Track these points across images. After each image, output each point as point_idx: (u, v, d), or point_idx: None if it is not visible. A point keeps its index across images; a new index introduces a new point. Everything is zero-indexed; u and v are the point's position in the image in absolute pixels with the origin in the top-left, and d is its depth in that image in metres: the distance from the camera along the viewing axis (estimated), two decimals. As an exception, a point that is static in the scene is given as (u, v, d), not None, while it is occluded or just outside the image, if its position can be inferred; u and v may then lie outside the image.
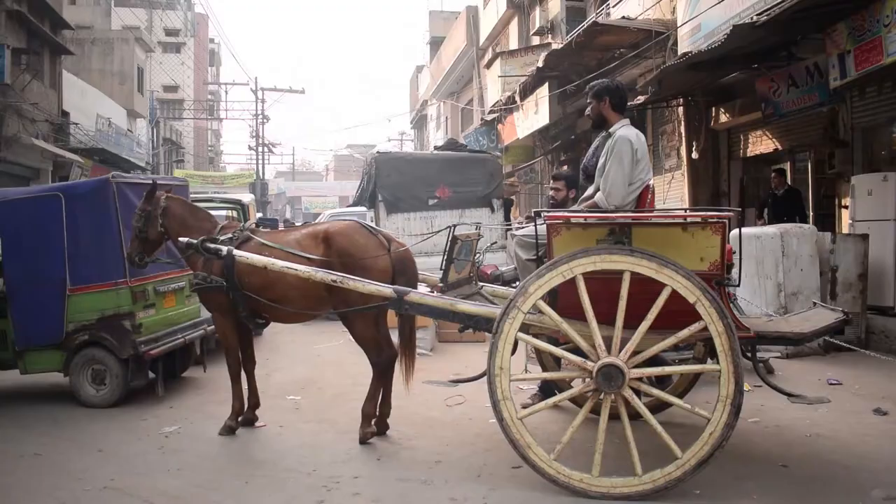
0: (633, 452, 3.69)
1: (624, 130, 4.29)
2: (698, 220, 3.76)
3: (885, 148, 9.23)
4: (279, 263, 4.75)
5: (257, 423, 5.31)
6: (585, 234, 3.85)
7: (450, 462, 4.39)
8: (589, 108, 4.55)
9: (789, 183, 10.12)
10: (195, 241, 5.08)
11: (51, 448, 4.93)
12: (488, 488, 3.93)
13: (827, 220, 9.66)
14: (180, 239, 5.18)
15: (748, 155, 11.84)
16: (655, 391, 4.11)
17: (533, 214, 4.29)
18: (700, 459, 3.63)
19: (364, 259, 4.78)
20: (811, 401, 4.20)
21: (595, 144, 4.50)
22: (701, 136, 11.95)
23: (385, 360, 4.95)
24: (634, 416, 3.89)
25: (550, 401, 4.19)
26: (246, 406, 5.30)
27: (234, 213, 8.99)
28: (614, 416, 3.85)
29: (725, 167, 12.33)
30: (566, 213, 4.02)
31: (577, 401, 4.52)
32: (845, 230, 8.73)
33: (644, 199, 4.26)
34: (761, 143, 11.41)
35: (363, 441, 4.77)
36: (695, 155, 12.01)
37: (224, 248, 4.99)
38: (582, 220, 3.87)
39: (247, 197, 11.73)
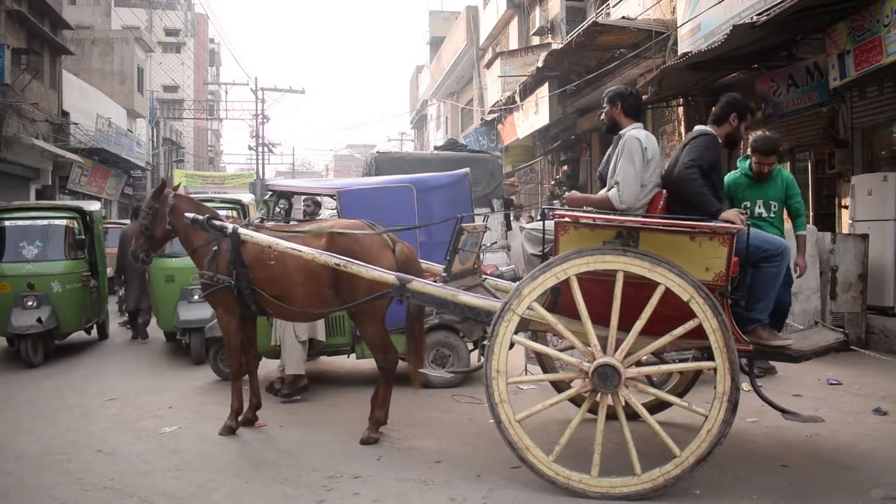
0: (631, 452, 3.69)
1: (634, 131, 4.26)
2: (707, 229, 3.74)
3: (885, 148, 9.23)
4: (283, 244, 4.78)
5: (257, 423, 5.31)
6: (593, 235, 3.84)
7: (450, 462, 4.39)
8: (603, 113, 4.52)
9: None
10: (201, 218, 5.12)
11: (51, 448, 4.92)
12: (488, 488, 3.93)
13: (827, 220, 9.66)
14: (186, 214, 5.20)
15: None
16: (653, 390, 4.11)
17: (542, 211, 4.32)
18: (698, 457, 3.63)
19: (369, 257, 4.79)
20: (805, 419, 4.20)
21: (608, 152, 4.47)
22: (701, 136, 11.93)
23: (391, 363, 4.96)
24: (633, 416, 3.90)
25: (548, 402, 4.19)
26: (246, 406, 5.31)
27: (235, 213, 8.99)
28: (614, 417, 3.85)
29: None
30: (575, 213, 4.00)
31: (577, 401, 4.52)
32: (845, 230, 8.73)
33: (656, 204, 4.19)
34: (761, 143, 11.39)
35: (365, 442, 4.77)
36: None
37: (229, 225, 5.04)
38: (590, 221, 3.86)
39: (247, 197, 11.74)
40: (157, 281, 8.34)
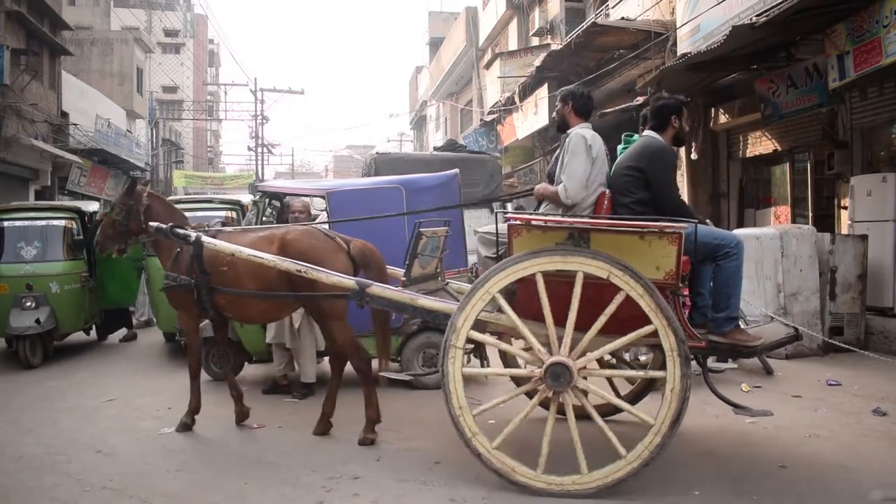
0: (611, 439, 3.70)
1: (581, 130, 4.37)
2: (655, 229, 3.75)
3: (885, 148, 9.24)
4: (246, 251, 4.81)
5: (257, 424, 5.32)
6: (545, 237, 3.87)
7: (449, 463, 4.39)
8: (555, 111, 4.63)
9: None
10: (164, 227, 5.16)
11: (50, 449, 4.92)
12: (487, 489, 3.93)
13: (826, 221, 9.68)
14: (151, 223, 5.26)
15: (747, 156, 11.86)
16: (601, 392, 4.03)
17: (495, 214, 4.41)
18: (673, 418, 3.63)
19: (322, 263, 4.76)
20: (755, 413, 4.17)
21: (556, 153, 4.56)
22: (700, 137, 11.96)
23: (365, 363, 4.99)
24: (614, 411, 3.91)
25: (502, 398, 4.17)
26: (236, 404, 5.40)
27: (234, 214, 8.98)
28: (587, 417, 3.85)
29: (725, 168, 12.35)
30: (527, 216, 4.07)
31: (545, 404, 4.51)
32: (844, 231, 8.74)
33: (601, 204, 4.29)
34: (760, 144, 11.43)
35: (363, 443, 4.78)
36: (694, 156, 12.03)
37: (193, 234, 5.08)
38: (542, 223, 3.91)
39: (246, 198, 11.70)
40: (156, 281, 8.33)
